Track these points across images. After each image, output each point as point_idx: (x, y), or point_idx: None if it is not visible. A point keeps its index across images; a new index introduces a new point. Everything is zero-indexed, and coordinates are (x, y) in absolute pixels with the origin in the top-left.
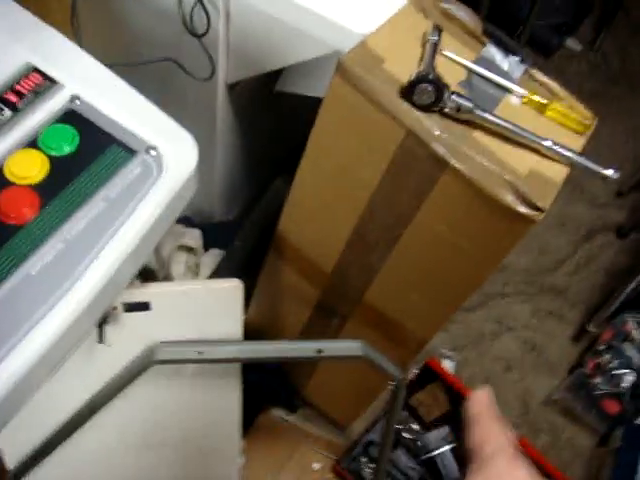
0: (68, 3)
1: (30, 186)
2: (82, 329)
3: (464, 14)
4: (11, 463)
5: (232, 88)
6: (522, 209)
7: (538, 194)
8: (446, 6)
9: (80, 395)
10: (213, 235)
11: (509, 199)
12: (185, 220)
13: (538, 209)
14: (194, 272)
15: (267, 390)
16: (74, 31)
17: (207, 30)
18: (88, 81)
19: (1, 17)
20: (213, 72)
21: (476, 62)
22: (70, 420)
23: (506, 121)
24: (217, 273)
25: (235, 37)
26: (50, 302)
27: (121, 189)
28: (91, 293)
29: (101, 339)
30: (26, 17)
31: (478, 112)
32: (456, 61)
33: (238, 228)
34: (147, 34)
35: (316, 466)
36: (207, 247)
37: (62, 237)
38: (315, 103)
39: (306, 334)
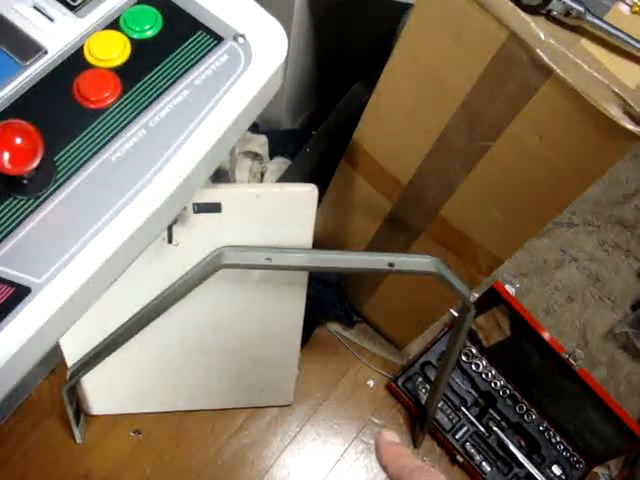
0: None
1: (111, 69)
2: (159, 224)
3: None
4: (70, 361)
5: None
6: (629, 125)
7: None
8: None
9: (144, 295)
10: (279, 143)
11: (616, 113)
12: (251, 126)
13: None
14: (258, 179)
15: (326, 303)
16: None
17: None
18: None
19: None
20: None
21: None
22: (132, 321)
23: (617, 29)
24: (283, 180)
25: None
26: (130, 193)
27: (206, 77)
28: (173, 185)
29: (170, 239)
30: None
31: (589, 17)
32: None
33: (305, 136)
34: None
35: (371, 383)
36: (272, 155)
37: (144, 124)
38: (396, 7)
39: (373, 248)
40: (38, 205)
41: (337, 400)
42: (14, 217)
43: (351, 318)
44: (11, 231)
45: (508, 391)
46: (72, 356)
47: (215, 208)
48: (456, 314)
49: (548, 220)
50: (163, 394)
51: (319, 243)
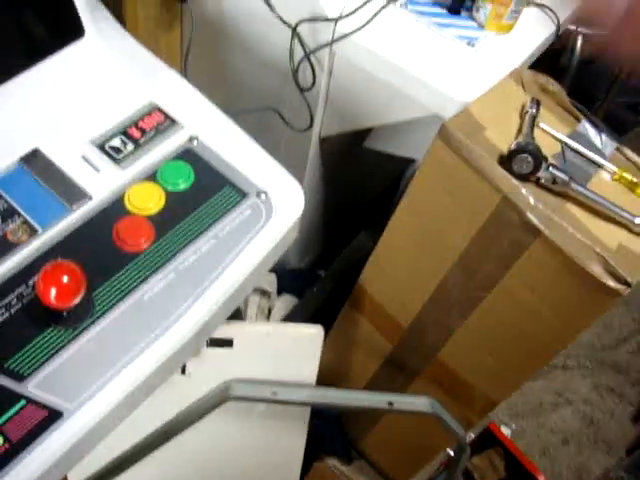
0: (177, 48)
1: (147, 217)
2: (181, 359)
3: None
4: None
5: (324, 141)
6: (610, 282)
7: (626, 269)
8: (543, 81)
9: (153, 423)
10: (286, 280)
11: (598, 271)
12: None
13: (626, 283)
14: (265, 315)
15: (325, 438)
16: (183, 74)
17: (312, 84)
18: (206, 123)
19: (129, 57)
20: (310, 124)
21: (571, 137)
22: (138, 447)
23: (599, 196)
24: (290, 318)
25: (335, 93)
26: (158, 330)
27: (231, 229)
28: (197, 324)
29: (183, 370)
30: (150, 59)
31: (573, 186)
32: (552, 134)
33: (311, 276)
34: (253, 83)
35: None
36: (279, 292)
37: (174, 268)
38: (399, 161)
39: (372, 385)
40: (75, 336)
41: None
42: (52, 346)
43: (349, 453)
44: (48, 359)
45: None
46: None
47: (227, 343)
48: (452, 453)
49: (539, 367)
50: None
51: (321, 378)
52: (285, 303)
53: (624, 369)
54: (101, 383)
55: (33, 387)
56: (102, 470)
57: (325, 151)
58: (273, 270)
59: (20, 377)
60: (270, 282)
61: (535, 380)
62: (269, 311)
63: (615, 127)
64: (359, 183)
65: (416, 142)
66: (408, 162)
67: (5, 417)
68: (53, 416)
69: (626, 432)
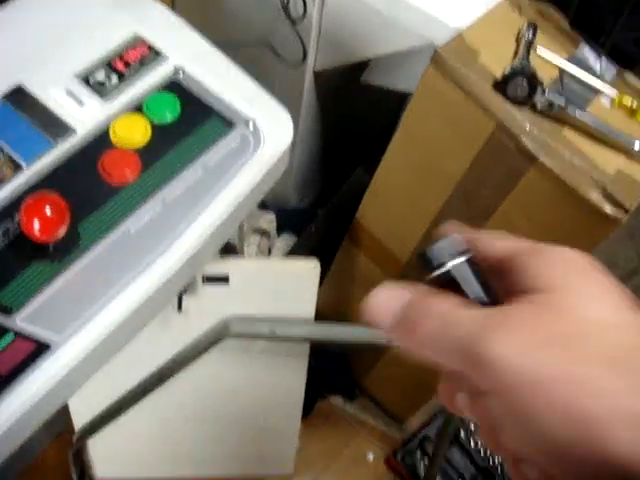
0: None
1: (133, 149)
2: (170, 291)
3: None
4: (77, 424)
5: (319, 76)
6: (608, 209)
7: (624, 195)
8: (541, 7)
9: (152, 362)
10: (286, 220)
11: (595, 197)
12: (260, 204)
13: (624, 210)
14: (266, 255)
15: (329, 377)
16: (172, 7)
17: (303, 15)
18: (191, 54)
19: None
20: (304, 58)
21: (569, 61)
22: (139, 387)
23: (596, 121)
24: (290, 256)
25: (328, 24)
26: (145, 261)
27: (219, 159)
28: (185, 256)
29: (179, 307)
30: None
31: (570, 110)
32: (549, 59)
33: (310, 215)
34: (243, 16)
35: (370, 457)
36: (279, 231)
37: (161, 200)
38: (397, 96)
39: None
40: (61, 269)
41: (336, 473)
42: (39, 279)
43: (353, 391)
44: (35, 292)
45: (506, 468)
46: (79, 420)
47: (223, 279)
48: None
49: None
50: (165, 460)
51: (322, 315)
52: (285, 242)
53: None
54: (89, 315)
55: (21, 320)
56: (104, 412)
57: (320, 87)
58: (273, 210)
59: (8, 311)
60: (269, 222)
61: None
62: (269, 251)
63: (621, 62)
64: (357, 120)
65: (413, 75)
66: (407, 97)
67: None
68: (41, 348)
69: None
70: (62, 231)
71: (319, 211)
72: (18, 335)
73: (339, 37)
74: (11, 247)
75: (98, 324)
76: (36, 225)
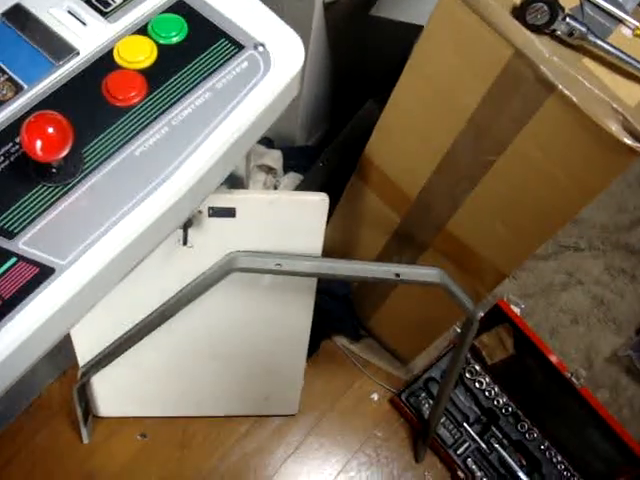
0: None
1: (138, 70)
2: (176, 218)
3: None
4: (82, 360)
5: (328, 8)
6: (628, 140)
7: None
8: None
9: (158, 297)
10: (292, 158)
11: (616, 129)
12: (266, 141)
13: None
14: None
15: (333, 317)
16: None
17: None
18: None
19: None
20: None
21: None
22: (145, 322)
23: (618, 50)
24: None
25: None
26: (151, 185)
27: (228, 82)
28: (191, 181)
29: (185, 241)
30: None
31: (591, 38)
32: None
33: (317, 153)
34: None
35: (374, 397)
36: (285, 170)
37: (167, 122)
38: (406, 31)
39: (381, 260)
40: (65, 193)
41: (341, 412)
42: (42, 203)
43: (358, 332)
44: (38, 215)
45: (510, 409)
46: (84, 355)
47: (229, 213)
48: (460, 330)
49: (551, 234)
50: (170, 399)
51: (329, 254)
52: (291, 180)
53: (637, 250)
54: (93, 239)
55: (23, 244)
56: (109, 347)
57: (330, 19)
58: (279, 147)
59: (10, 234)
60: (276, 159)
61: (546, 260)
62: (275, 189)
63: None
64: (367, 56)
65: (425, 7)
66: (418, 31)
67: None
68: (45, 272)
69: (636, 312)
70: (65, 152)
71: (326, 149)
72: (21, 259)
73: None
74: (12, 170)
75: (102, 248)
76: (38, 144)
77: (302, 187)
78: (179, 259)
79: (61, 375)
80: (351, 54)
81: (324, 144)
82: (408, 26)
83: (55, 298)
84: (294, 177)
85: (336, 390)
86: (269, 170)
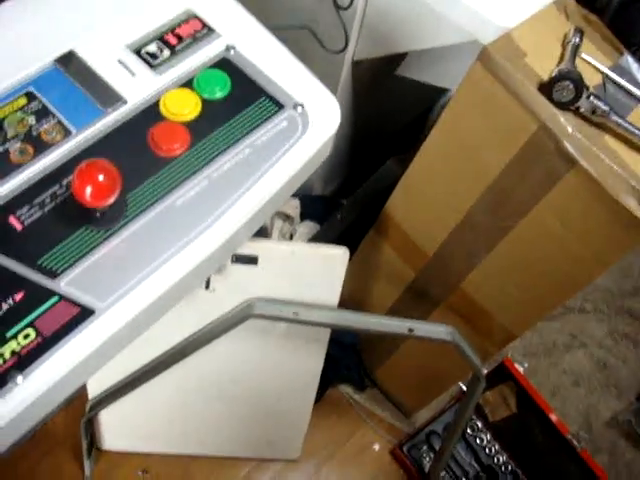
0: None
1: (182, 123)
2: (210, 267)
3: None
4: (92, 393)
5: (356, 65)
6: None
7: None
8: (585, 12)
9: (175, 337)
10: (308, 207)
11: (633, 204)
12: None
13: None
14: (287, 240)
15: (341, 365)
16: None
17: (350, 3)
18: (243, 33)
19: None
20: (345, 46)
21: (612, 69)
22: (159, 361)
23: (638, 129)
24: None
25: (373, 13)
26: (190, 236)
27: (267, 139)
28: (227, 234)
29: (207, 285)
30: None
31: (613, 117)
32: (593, 65)
33: (333, 203)
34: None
35: (376, 447)
36: (302, 218)
37: (208, 175)
38: (430, 90)
39: (393, 314)
40: (107, 237)
41: (341, 461)
42: (85, 245)
43: (363, 382)
44: (81, 257)
45: (510, 467)
46: (94, 389)
47: (252, 260)
48: (465, 388)
49: (563, 301)
50: (174, 436)
51: (343, 304)
52: (307, 229)
53: None
54: (132, 284)
55: (66, 284)
56: (120, 383)
57: (357, 76)
58: (296, 195)
59: (53, 274)
60: (294, 207)
61: (551, 321)
62: (291, 236)
63: None
64: (389, 112)
65: (450, 71)
66: (440, 92)
67: (37, 312)
68: (85, 313)
69: (638, 378)
70: (113, 198)
71: (344, 200)
72: (62, 298)
73: (382, 27)
74: (58, 212)
75: (140, 294)
76: (88, 190)
77: (320, 238)
78: (200, 302)
79: (67, 406)
80: (373, 109)
81: (340, 195)
82: (430, 87)
83: (93, 339)
84: (310, 225)
85: (338, 438)
86: (286, 218)
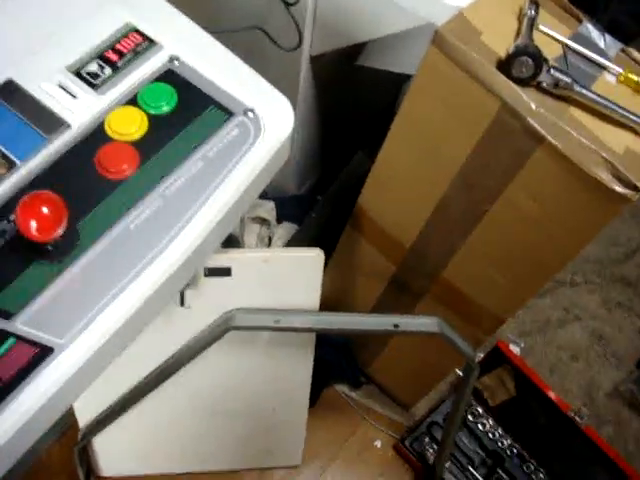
0: None
1: (130, 142)
2: (174, 287)
3: None
4: (82, 422)
5: (314, 60)
6: (618, 188)
7: (634, 173)
8: None
9: (157, 358)
10: (285, 208)
11: (605, 177)
12: None
13: (635, 188)
14: (266, 243)
15: (333, 365)
16: None
17: None
18: (186, 42)
19: None
20: (299, 43)
21: (572, 38)
22: (144, 383)
23: (604, 98)
24: (290, 245)
25: (324, 7)
26: (147, 258)
27: (219, 150)
28: (187, 251)
29: (182, 302)
30: None
31: (577, 88)
32: (552, 36)
33: (310, 202)
34: (236, 1)
35: (378, 444)
36: (279, 219)
37: (161, 193)
38: (394, 78)
39: (378, 310)
40: (61, 270)
41: (345, 461)
42: (39, 281)
43: (358, 379)
44: (35, 294)
45: (515, 450)
46: (84, 417)
47: (225, 272)
48: (461, 374)
49: (546, 281)
50: (172, 456)
51: (326, 305)
52: (285, 230)
53: (633, 282)
54: (92, 316)
55: (21, 324)
56: (109, 409)
57: (317, 71)
58: (272, 198)
59: (7, 315)
60: (269, 210)
61: (542, 297)
62: (269, 240)
63: (619, 37)
64: (355, 104)
65: (411, 56)
66: (404, 79)
67: None
68: (44, 352)
69: (635, 345)
70: (60, 230)
71: (319, 198)
72: (19, 339)
73: (335, 20)
74: (8, 249)
75: (101, 325)
76: (33, 225)
77: (296, 239)
78: (177, 320)
79: (61, 436)
80: (338, 103)
81: (316, 192)
82: (394, 75)
83: (55, 378)
84: (288, 227)
85: (339, 438)
86: (263, 221)
